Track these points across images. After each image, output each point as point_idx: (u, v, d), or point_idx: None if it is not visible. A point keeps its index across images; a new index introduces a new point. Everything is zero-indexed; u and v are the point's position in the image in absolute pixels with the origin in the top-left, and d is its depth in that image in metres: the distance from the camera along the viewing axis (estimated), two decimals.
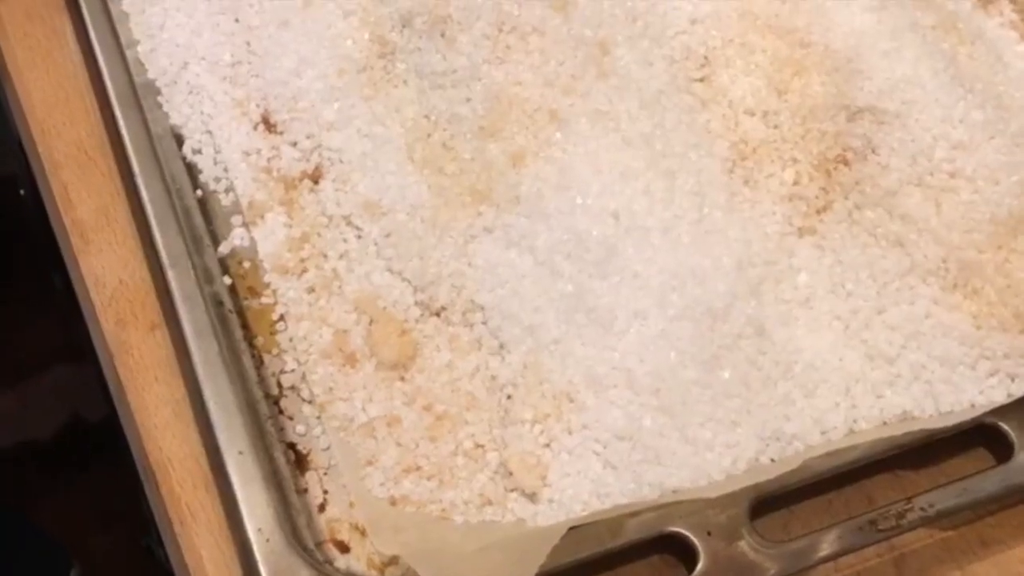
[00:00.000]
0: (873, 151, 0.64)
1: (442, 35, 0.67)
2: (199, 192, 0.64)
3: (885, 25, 0.68)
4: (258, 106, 0.67)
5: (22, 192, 0.83)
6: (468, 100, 0.65)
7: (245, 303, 0.61)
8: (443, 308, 0.61)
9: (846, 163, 0.64)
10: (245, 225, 0.63)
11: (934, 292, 0.61)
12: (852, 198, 0.63)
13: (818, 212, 0.63)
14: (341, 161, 0.65)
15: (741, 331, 0.59)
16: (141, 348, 0.60)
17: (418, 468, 0.57)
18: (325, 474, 0.57)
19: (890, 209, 0.62)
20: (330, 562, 0.55)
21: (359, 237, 0.63)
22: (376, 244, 0.62)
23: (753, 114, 0.66)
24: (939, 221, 0.62)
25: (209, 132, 0.66)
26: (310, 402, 0.58)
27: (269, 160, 0.65)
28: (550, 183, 0.62)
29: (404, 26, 0.68)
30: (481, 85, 0.66)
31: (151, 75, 0.67)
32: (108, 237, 0.63)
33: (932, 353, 0.59)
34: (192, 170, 0.65)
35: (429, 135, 0.65)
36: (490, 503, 0.56)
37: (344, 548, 0.56)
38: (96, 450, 0.73)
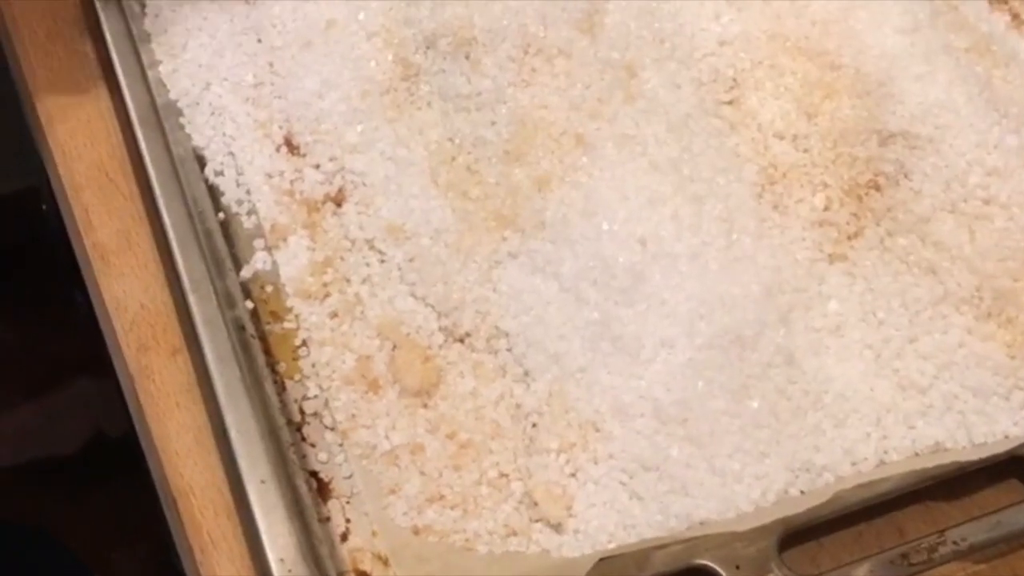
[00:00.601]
0: (905, 176, 0.65)
1: (467, 57, 0.68)
2: (221, 215, 0.65)
3: (918, 48, 0.69)
4: (281, 128, 0.68)
5: (44, 207, 0.85)
6: (493, 123, 0.66)
7: (267, 328, 0.62)
8: (467, 334, 0.61)
9: (878, 188, 0.64)
10: (267, 248, 0.64)
11: (967, 321, 0.61)
12: (884, 224, 0.64)
13: (849, 238, 0.64)
14: (364, 184, 0.66)
15: (770, 360, 0.59)
16: (163, 374, 0.60)
17: (442, 497, 0.57)
18: (348, 503, 0.58)
19: (923, 236, 0.63)
20: None
21: (382, 261, 0.63)
22: (400, 269, 0.63)
23: (783, 138, 0.66)
24: (973, 249, 0.62)
25: (231, 154, 0.67)
26: (332, 429, 0.59)
27: (292, 182, 0.66)
28: (576, 208, 0.63)
29: (428, 48, 0.69)
30: (506, 108, 0.66)
31: (173, 96, 0.69)
32: (129, 260, 0.64)
33: (965, 383, 0.60)
34: (214, 192, 0.66)
35: (453, 158, 0.66)
36: (515, 533, 0.57)
37: None
38: (118, 465, 0.74)
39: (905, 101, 0.66)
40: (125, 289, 0.63)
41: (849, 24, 0.70)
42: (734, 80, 0.68)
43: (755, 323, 0.60)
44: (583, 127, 0.66)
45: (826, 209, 0.64)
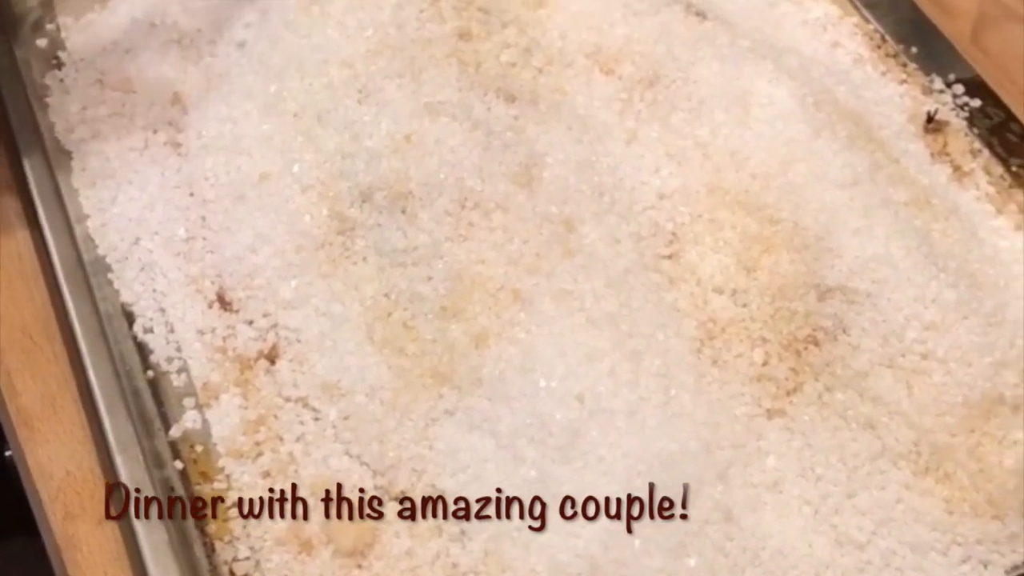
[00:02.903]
0: (844, 331, 0.75)
1: (403, 211, 0.78)
2: (150, 373, 0.74)
3: (857, 202, 0.80)
4: (213, 283, 0.78)
5: None
6: (430, 278, 0.76)
7: (197, 488, 0.71)
8: (403, 493, 0.71)
9: (816, 343, 0.75)
10: (198, 407, 0.73)
11: (905, 476, 0.71)
12: (822, 379, 0.74)
13: (788, 394, 0.74)
14: (299, 340, 0.75)
15: (708, 516, 0.69)
16: (90, 543, 0.69)
17: None
18: None
19: (861, 391, 0.73)
20: None
21: (316, 419, 0.73)
22: (334, 427, 0.72)
23: (722, 292, 0.77)
24: (911, 404, 0.73)
25: (162, 310, 0.77)
26: None
27: (224, 339, 0.76)
28: (513, 365, 0.73)
29: (364, 201, 0.79)
30: (443, 263, 0.76)
31: (101, 251, 0.79)
32: (55, 426, 0.72)
33: (903, 539, 0.69)
34: (143, 350, 0.75)
35: (389, 314, 0.76)
36: None
37: None
38: None
39: (843, 255, 0.77)
40: (50, 455, 0.72)
41: (789, 178, 0.81)
42: (673, 234, 0.80)
43: (693, 479, 0.69)
44: (521, 282, 0.76)
45: (765, 364, 0.74)
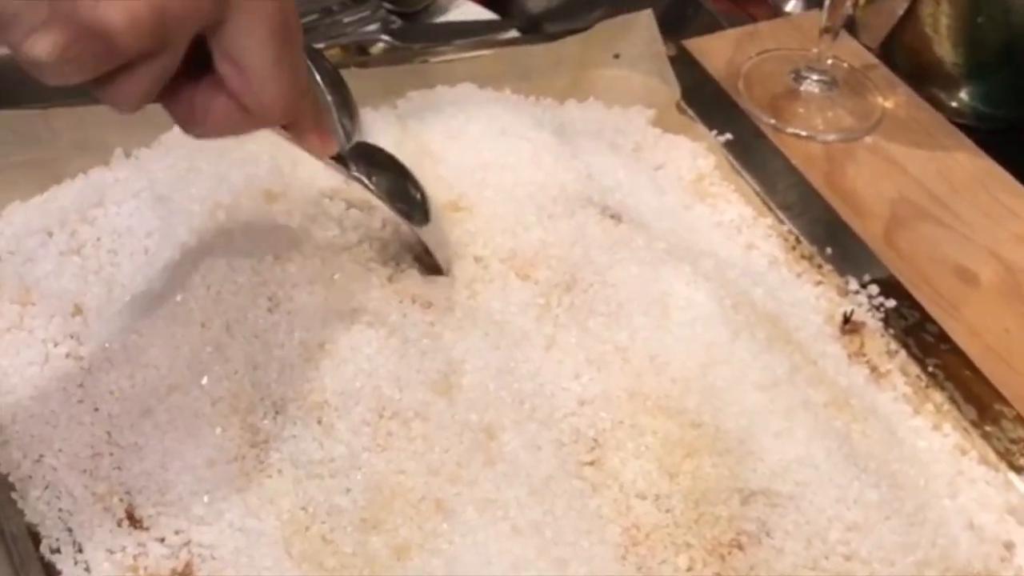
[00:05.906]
0: (767, 534, 0.87)
1: (319, 422, 0.89)
2: None
3: (777, 404, 0.92)
4: (122, 500, 0.87)
5: None
6: (348, 490, 0.86)
7: None
8: None
9: (740, 547, 0.86)
10: None
11: None
12: None
13: None
14: (213, 557, 0.84)
15: None
16: None
17: None
18: None
19: None
20: None
21: None
22: None
23: (645, 498, 0.88)
24: None
25: (69, 529, 0.86)
26: None
27: (135, 558, 0.85)
28: None
29: (277, 413, 0.89)
30: (361, 474, 0.86)
31: (3, 470, 0.88)
32: None
33: None
34: (51, 571, 0.84)
35: (307, 528, 0.85)
36: None
37: None
38: None
39: (765, 458, 0.89)
40: None
41: (709, 381, 0.93)
42: (595, 440, 0.91)
43: None
44: (442, 492, 0.86)
45: (689, 570, 0.85)
